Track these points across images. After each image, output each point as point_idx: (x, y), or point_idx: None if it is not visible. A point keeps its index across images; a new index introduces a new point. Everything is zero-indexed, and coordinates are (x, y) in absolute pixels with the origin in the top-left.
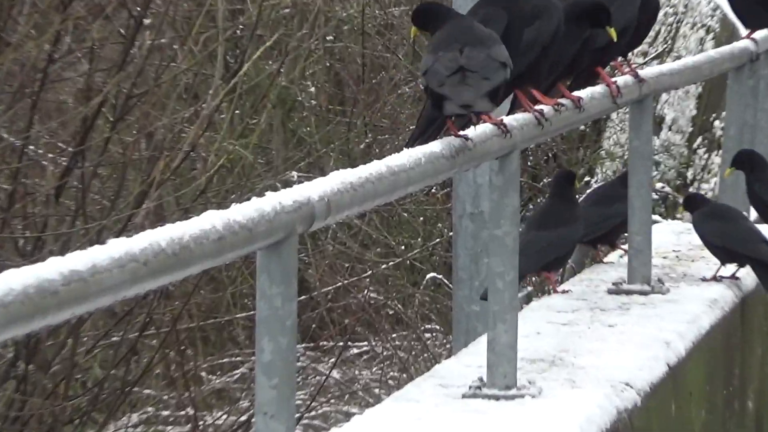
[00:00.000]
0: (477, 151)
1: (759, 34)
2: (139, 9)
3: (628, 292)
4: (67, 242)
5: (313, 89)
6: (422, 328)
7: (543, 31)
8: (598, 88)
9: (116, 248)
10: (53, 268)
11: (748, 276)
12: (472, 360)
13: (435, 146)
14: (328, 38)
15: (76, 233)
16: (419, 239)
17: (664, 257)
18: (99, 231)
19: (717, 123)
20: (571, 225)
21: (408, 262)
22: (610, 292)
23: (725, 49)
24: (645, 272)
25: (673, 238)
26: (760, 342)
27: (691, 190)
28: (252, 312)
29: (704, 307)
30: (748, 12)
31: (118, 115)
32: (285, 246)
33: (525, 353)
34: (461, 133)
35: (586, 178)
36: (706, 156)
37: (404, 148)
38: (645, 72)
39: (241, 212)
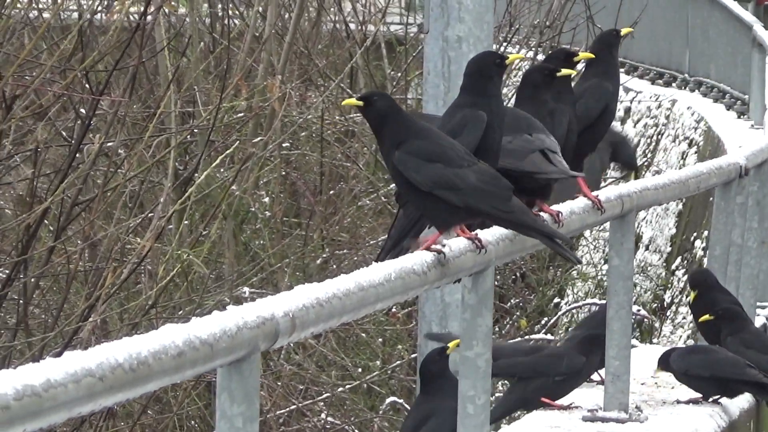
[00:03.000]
0: (451, 267)
1: (749, 149)
2: (84, 110)
3: (604, 420)
4: (7, 357)
5: (267, 200)
6: None
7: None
8: (578, 203)
9: (71, 362)
10: (5, 381)
11: (731, 404)
12: None
13: (406, 261)
14: (284, 145)
15: (15, 348)
16: (378, 361)
17: (642, 383)
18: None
19: (698, 243)
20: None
21: (365, 385)
22: (585, 419)
23: (713, 163)
24: (622, 399)
25: (652, 363)
26: None
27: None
28: None
29: None
30: None
31: (63, 223)
32: (247, 363)
33: None
34: (434, 246)
35: (556, 300)
36: (685, 278)
37: (374, 262)
38: (628, 186)
39: (202, 327)
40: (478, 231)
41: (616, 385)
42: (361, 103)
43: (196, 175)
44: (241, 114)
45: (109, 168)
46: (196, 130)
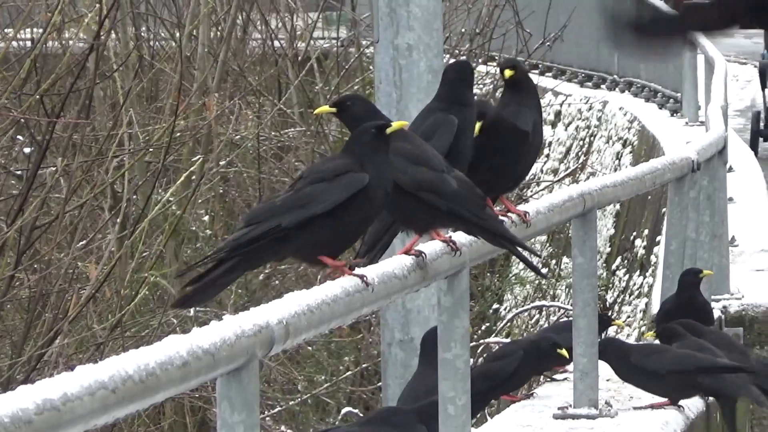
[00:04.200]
0: (428, 271)
1: (698, 144)
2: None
3: (575, 417)
4: None
5: (207, 218)
6: None
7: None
8: (543, 202)
9: (85, 376)
10: (26, 397)
11: (698, 399)
12: None
13: (387, 265)
14: (221, 163)
15: None
16: (323, 375)
17: (608, 380)
18: (10, 373)
19: (638, 242)
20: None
21: (313, 398)
22: (555, 417)
23: (666, 158)
24: (592, 395)
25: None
26: None
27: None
28: None
29: (656, 430)
30: None
31: (23, 247)
32: (245, 371)
33: None
34: (415, 249)
35: (495, 306)
36: (626, 277)
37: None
38: (588, 184)
39: (204, 337)
40: (451, 234)
41: (585, 382)
42: (334, 109)
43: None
44: (179, 134)
45: (69, 189)
46: (151, 149)
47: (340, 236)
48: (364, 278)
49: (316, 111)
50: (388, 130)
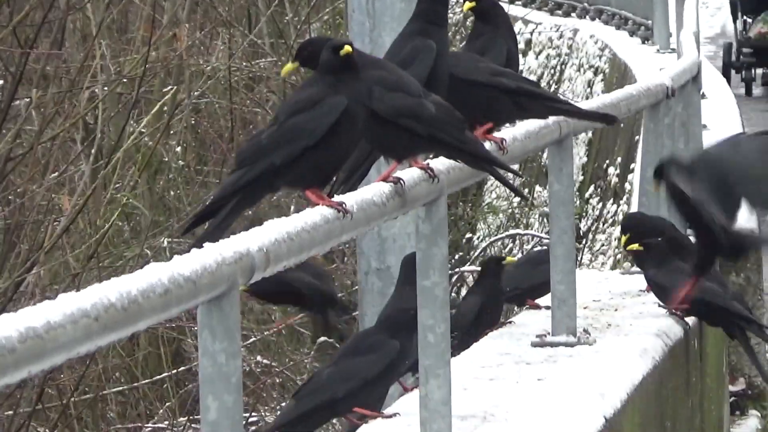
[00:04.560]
0: (406, 198)
1: (672, 70)
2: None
3: (553, 345)
4: None
5: (179, 149)
6: None
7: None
8: (519, 129)
9: (68, 304)
10: (9, 325)
11: (675, 325)
12: (399, 421)
13: (366, 192)
14: (194, 94)
15: None
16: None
17: (585, 307)
18: None
19: (611, 170)
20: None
21: (288, 328)
22: (534, 345)
23: (641, 84)
24: (570, 323)
25: (592, 287)
26: (690, 392)
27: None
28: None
29: (635, 357)
30: None
31: None
32: (226, 299)
33: (454, 410)
34: (393, 176)
35: (468, 235)
36: (600, 206)
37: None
38: None
39: (185, 265)
40: (429, 161)
41: (563, 310)
42: (297, 63)
43: (132, 129)
44: (149, 65)
45: (43, 121)
46: (125, 80)
47: (331, 162)
48: (343, 205)
49: (282, 72)
50: (341, 52)
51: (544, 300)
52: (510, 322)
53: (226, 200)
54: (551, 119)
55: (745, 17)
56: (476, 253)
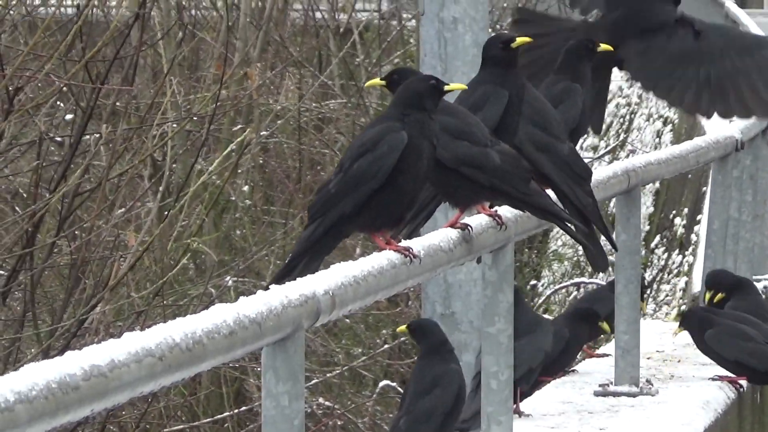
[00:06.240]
0: (473, 244)
1: (742, 123)
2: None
3: (616, 394)
4: (14, 348)
5: (246, 188)
6: None
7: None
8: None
9: (132, 343)
10: (74, 362)
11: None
12: None
13: (433, 238)
14: (262, 133)
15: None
16: (360, 348)
17: (649, 358)
18: (50, 334)
19: (678, 221)
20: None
21: (350, 370)
22: (596, 394)
23: (710, 137)
24: (633, 373)
25: (656, 338)
26: None
27: (650, 293)
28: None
29: (697, 408)
30: None
31: (65, 214)
32: (291, 342)
33: None
34: (461, 222)
35: (533, 282)
36: (665, 256)
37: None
38: (632, 161)
39: (250, 307)
40: (497, 208)
41: (626, 359)
42: (384, 82)
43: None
44: (220, 104)
45: (112, 157)
46: (195, 118)
47: (401, 202)
48: (410, 250)
49: (367, 84)
50: (446, 88)
51: (608, 348)
52: (573, 371)
53: (304, 256)
54: (619, 169)
55: None
56: (540, 300)
